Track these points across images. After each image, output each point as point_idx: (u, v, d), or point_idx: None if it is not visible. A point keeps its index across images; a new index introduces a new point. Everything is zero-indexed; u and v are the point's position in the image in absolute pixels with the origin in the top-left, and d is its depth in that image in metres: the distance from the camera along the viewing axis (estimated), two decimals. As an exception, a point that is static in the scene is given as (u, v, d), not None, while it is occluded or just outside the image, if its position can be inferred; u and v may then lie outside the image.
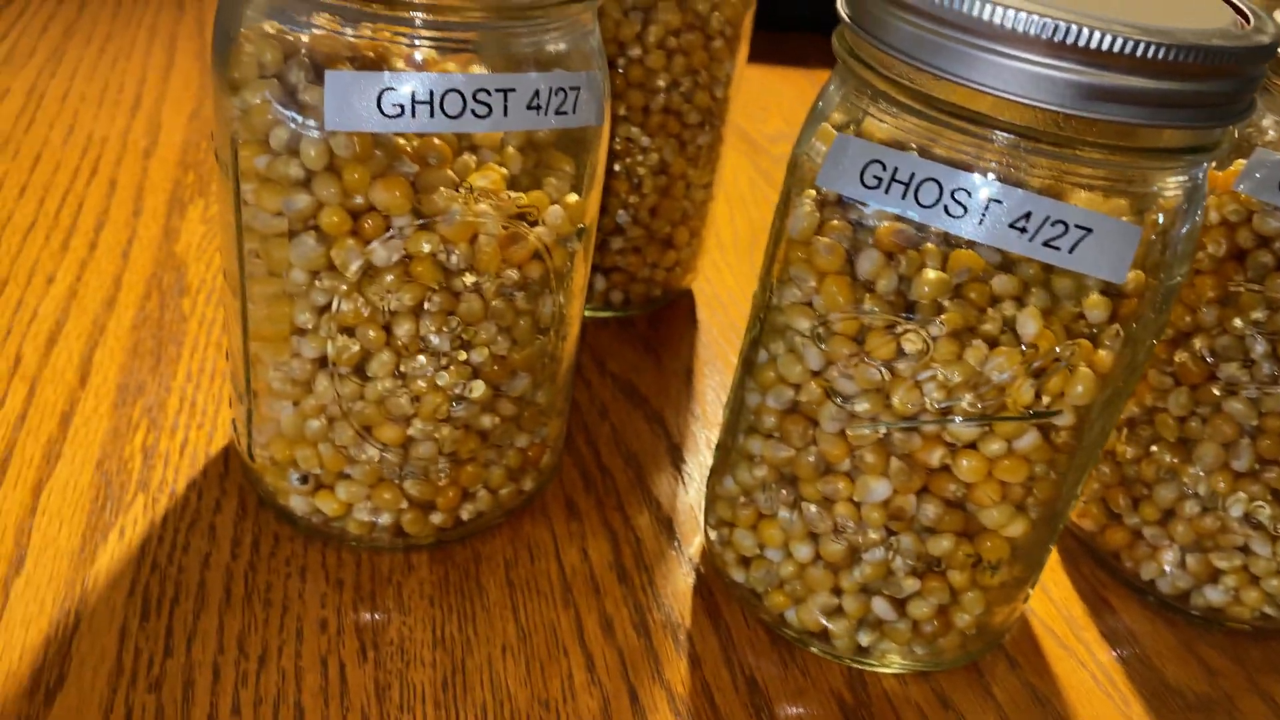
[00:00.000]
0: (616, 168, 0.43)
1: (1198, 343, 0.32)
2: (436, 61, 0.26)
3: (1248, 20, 0.25)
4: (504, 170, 0.28)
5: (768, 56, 0.80)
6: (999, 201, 0.24)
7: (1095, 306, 0.26)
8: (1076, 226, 0.24)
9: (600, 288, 0.46)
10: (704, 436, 0.41)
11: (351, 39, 0.25)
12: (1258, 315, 0.31)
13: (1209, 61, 0.22)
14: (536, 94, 0.26)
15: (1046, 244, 0.24)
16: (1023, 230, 0.24)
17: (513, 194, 0.28)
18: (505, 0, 0.25)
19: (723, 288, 0.51)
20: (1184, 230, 0.26)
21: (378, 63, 0.26)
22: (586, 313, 0.47)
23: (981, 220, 0.24)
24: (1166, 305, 0.27)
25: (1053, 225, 0.24)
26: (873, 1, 0.24)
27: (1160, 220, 0.26)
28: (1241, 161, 0.32)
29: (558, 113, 0.27)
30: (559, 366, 0.33)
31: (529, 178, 0.29)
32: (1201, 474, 0.33)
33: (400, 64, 0.26)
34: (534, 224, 0.29)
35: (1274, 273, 0.30)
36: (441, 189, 0.27)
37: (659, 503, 0.37)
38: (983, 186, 0.24)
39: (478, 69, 0.27)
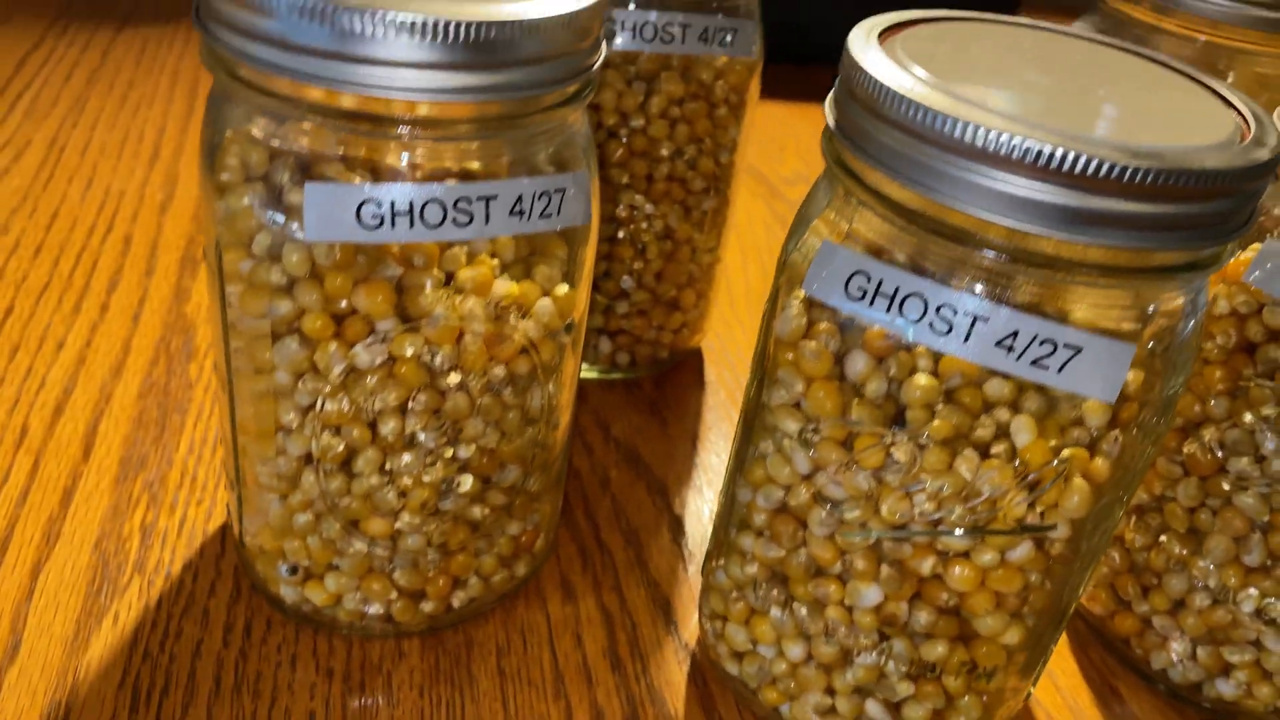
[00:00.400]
0: (620, 234, 0.43)
1: (1207, 434, 0.31)
2: (426, 162, 0.26)
3: (1249, 126, 0.24)
4: (495, 261, 0.28)
5: (786, 93, 0.79)
6: (985, 319, 0.23)
7: (1094, 412, 0.25)
8: (1065, 345, 0.23)
9: (606, 350, 0.46)
10: (707, 510, 0.40)
11: (339, 148, 0.25)
12: (1268, 411, 0.30)
13: (1201, 184, 0.21)
14: (519, 199, 0.26)
15: (1034, 363, 0.23)
16: (1010, 349, 0.23)
17: (502, 289, 0.28)
18: (491, 111, 0.25)
19: (732, 343, 0.51)
20: (1183, 339, 0.25)
21: (368, 162, 0.26)
22: (594, 375, 0.46)
23: (967, 338, 0.23)
24: (1167, 412, 0.27)
25: (1041, 344, 0.23)
26: (858, 111, 0.24)
27: (1158, 329, 0.25)
28: (1257, 246, 0.31)
29: (542, 216, 0.27)
30: (551, 454, 0.32)
31: (522, 264, 0.29)
32: (1211, 567, 0.32)
33: (391, 159, 0.25)
34: (524, 315, 0.29)
35: (1285, 368, 0.30)
36: (427, 290, 0.27)
37: (657, 582, 0.37)
38: (968, 303, 0.23)
39: (472, 163, 0.26)
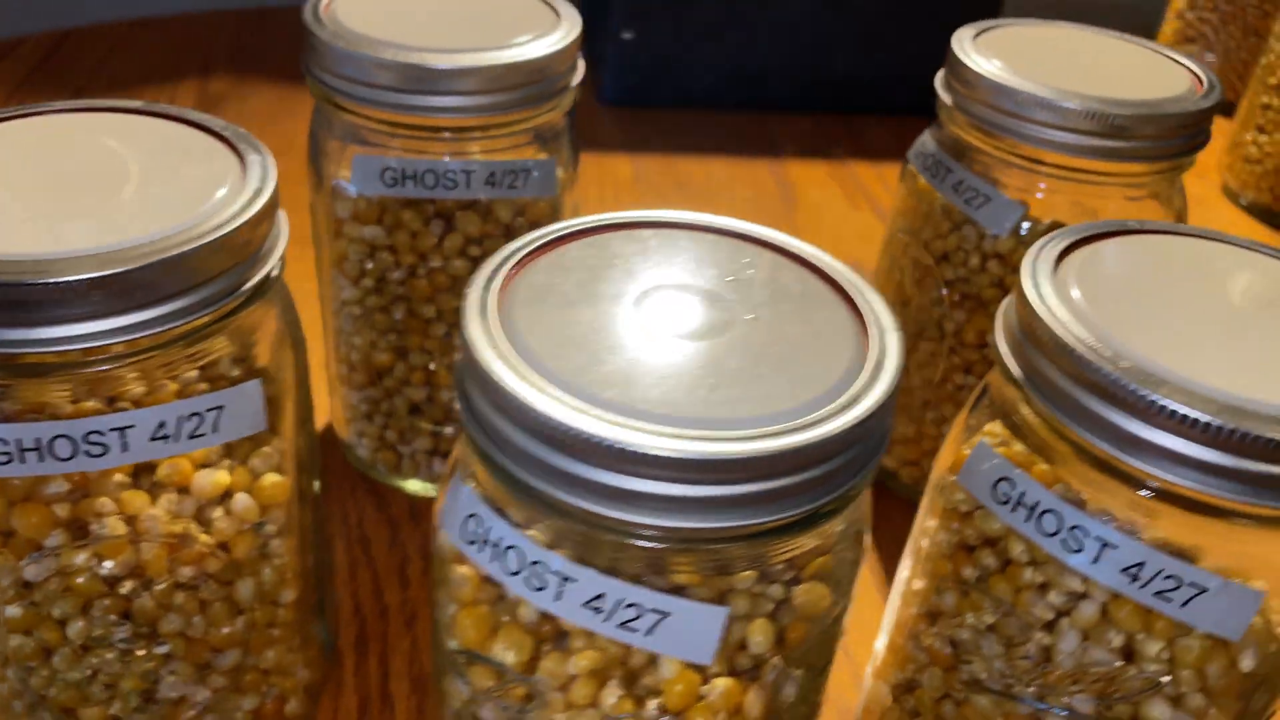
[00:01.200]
0: (433, 365, 0.42)
1: (941, 628, 0.30)
2: (77, 396, 0.26)
3: (867, 362, 0.22)
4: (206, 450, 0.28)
5: (739, 146, 0.78)
6: (573, 580, 0.22)
7: (759, 632, 0.25)
8: (653, 610, 0.22)
9: (440, 470, 0.46)
10: (506, 651, 0.40)
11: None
12: (987, 618, 0.28)
13: (767, 468, 0.20)
14: (162, 425, 0.26)
15: (622, 625, 0.22)
16: (597, 610, 0.22)
17: (206, 481, 0.28)
18: (162, 337, 0.25)
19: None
20: (845, 556, 0.24)
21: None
22: (433, 494, 0.46)
23: (559, 596, 0.23)
24: (836, 629, 0.26)
25: (627, 608, 0.22)
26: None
27: (813, 553, 0.24)
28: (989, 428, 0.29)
29: (193, 437, 0.26)
30: (284, 630, 0.32)
31: (251, 441, 0.29)
32: (957, 761, 0.31)
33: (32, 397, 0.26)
34: (227, 510, 0.29)
35: (997, 575, 0.28)
36: (101, 500, 0.27)
37: (432, 737, 0.36)
38: (556, 563, 0.22)
39: (127, 387, 0.26)
